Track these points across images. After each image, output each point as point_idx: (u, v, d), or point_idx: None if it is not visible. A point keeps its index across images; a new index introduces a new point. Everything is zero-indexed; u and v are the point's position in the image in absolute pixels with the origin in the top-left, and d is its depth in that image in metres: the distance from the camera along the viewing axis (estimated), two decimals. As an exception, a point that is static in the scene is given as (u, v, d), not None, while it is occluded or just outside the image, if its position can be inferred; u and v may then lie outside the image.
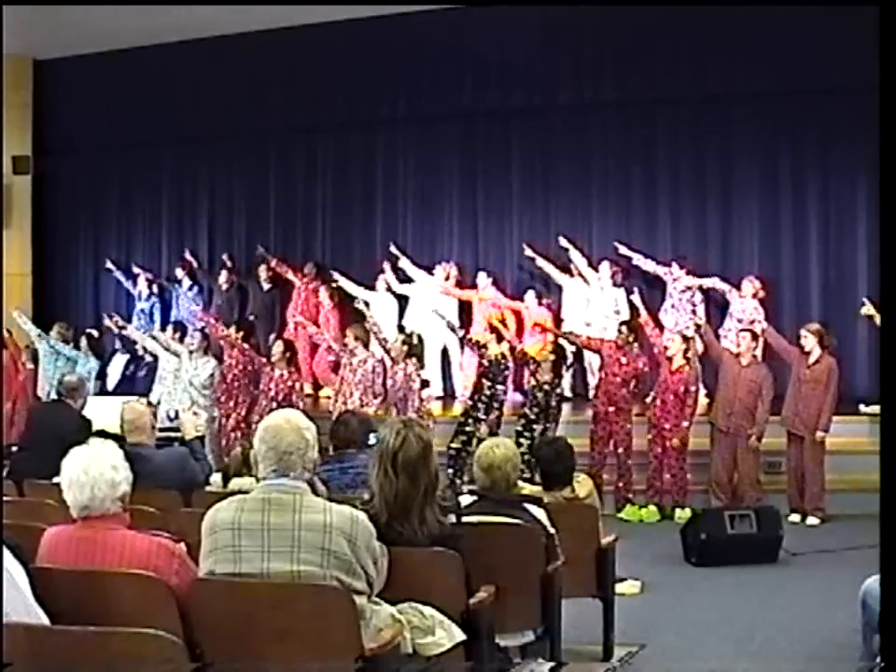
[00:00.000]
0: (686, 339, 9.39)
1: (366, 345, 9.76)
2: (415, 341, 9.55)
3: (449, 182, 12.90)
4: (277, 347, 10.03)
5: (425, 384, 9.59)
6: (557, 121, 12.42)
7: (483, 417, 9.42)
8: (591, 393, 10.12)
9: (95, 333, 12.58)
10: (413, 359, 9.40)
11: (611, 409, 9.27)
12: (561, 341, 9.97)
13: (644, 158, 12.11)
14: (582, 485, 5.62)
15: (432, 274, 12.22)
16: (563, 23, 11.63)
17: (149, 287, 13.53)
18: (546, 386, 9.27)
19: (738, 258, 11.65)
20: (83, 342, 12.09)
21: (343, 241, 13.31)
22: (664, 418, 9.04)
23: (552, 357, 9.38)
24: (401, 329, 10.75)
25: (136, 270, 13.70)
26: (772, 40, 11.01)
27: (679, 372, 9.06)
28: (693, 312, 10.98)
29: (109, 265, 13.93)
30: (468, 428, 9.44)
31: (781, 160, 11.69)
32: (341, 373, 9.86)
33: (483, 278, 12.04)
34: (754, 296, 10.84)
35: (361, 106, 12.79)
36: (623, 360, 9.35)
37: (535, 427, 9.20)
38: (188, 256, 13.60)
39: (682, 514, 8.80)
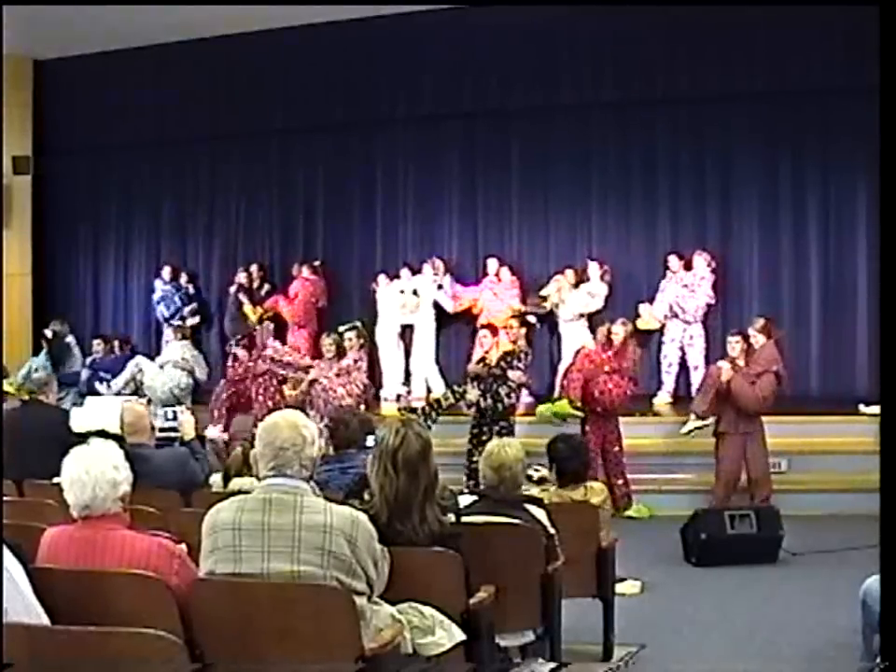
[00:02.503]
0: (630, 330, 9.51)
1: (339, 354, 9.74)
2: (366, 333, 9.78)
3: (449, 182, 12.90)
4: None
5: (367, 387, 9.59)
6: (557, 121, 12.42)
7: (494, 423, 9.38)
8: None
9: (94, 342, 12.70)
10: (363, 351, 9.57)
11: (599, 409, 9.28)
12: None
13: (644, 158, 12.12)
14: (596, 493, 5.61)
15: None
16: (563, 23, 11.63)
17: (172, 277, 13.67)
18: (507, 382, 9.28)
19: (738, 257, 11.65)
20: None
21: (344, 241, 13.32)
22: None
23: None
24: (362, 322, 10.54)
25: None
26: (772, 40, 11.03)
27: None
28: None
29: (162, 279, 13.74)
30: (483, 438, 9.40)
31: (781, 159, 11.69)
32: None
33: (493, 264, 12.10)
34: (707, 265, 11.08)
35: (361, 106, 12.79)
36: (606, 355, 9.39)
37: (493, 426, 9.19)
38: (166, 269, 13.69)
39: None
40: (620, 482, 9.15)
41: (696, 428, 8.93)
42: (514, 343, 9.69)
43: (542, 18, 11.65)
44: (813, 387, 11.34)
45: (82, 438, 5.65)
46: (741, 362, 8.94)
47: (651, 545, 7.85)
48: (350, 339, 9.67)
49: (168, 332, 12.36)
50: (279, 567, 3.28)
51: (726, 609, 6.30)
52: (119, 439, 5.27)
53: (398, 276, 12.47)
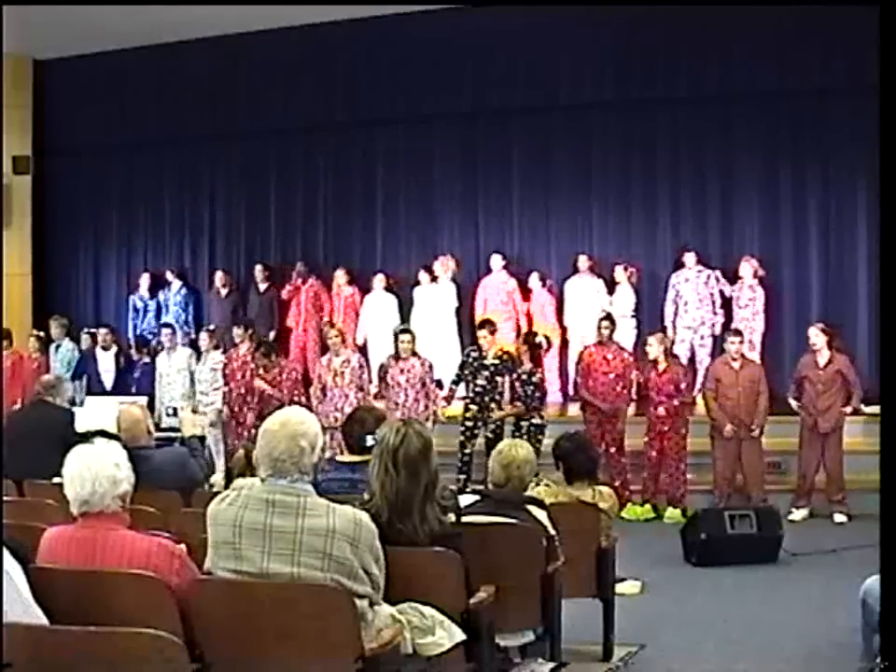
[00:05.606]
0: (664, 339, 9.48)
1: (344, 342, 9.91)
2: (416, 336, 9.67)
3: (449, 182, 12.89)
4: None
5: (439, 383, 9.66)
6: (557, 121, 12.42)
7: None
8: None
9: (100, 331, 12.58)
10: (421, 356, 9.49)
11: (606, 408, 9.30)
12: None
13: (644, 158, 12.12)
14: (605, 498, 5.61)
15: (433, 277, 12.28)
16: (563, 23, 11.62)
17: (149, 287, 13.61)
18: (524, 376, 9.26)
19: (738, 257, 11.63)
20: (85, 340, 12.18)
21: (344, 241, 13.31)
22: (660, 421, 9.06)
23: (524, 346, 9.46)
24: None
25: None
26: (772, 40, 11.02)
27: (667, 373, 9.10)
28: (714, 306, 11.18)
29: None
30: (476, 431, 9.50)
31: (781, 159, 11.69)
32: (325, 377, 9.75)
33: (497, 260, 12.05)
34: (754, 275, 11.04)
35: (361, 106, 12.79)
36: (610, 356, 9.40)
37: (522, 422, 9.20)
38: (170, 269, 13.69)
39: (672, 514, 8.87)
40: (616, 483, 9.15)
41: None
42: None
43: (542, 18, 11.64)
44: (813, 387, 11.33)
45: (83, 438, 5.65)
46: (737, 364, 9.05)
47: (650, 545, 7.86)
48: (405, 342, 9.52)
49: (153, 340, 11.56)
50: (279, 568, 3.27)
51: (726, 609, 6.30)
52: (120, 439, 5.27)
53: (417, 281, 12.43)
